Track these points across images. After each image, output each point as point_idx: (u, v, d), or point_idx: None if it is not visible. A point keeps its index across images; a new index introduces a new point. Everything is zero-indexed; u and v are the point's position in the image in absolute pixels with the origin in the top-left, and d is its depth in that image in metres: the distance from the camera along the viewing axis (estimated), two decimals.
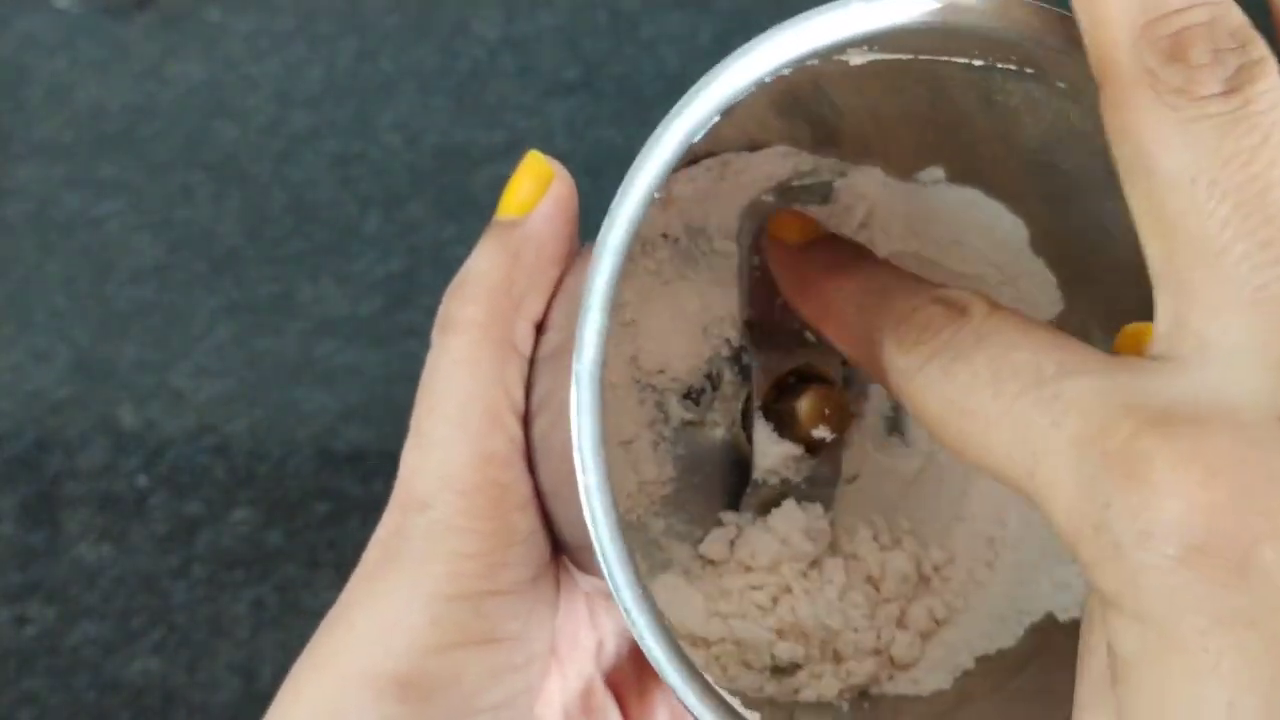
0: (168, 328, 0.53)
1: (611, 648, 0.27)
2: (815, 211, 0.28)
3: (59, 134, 0.55)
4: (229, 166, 0.55)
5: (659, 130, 0.21)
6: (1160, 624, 0.16)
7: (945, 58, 0.23)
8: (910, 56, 0.22)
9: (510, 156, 0.56)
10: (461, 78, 0.56)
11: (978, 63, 0.23)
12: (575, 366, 0.20)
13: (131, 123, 0.55)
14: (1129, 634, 0.17)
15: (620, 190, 0.21)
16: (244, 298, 0.54)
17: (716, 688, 0.21)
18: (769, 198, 0.28)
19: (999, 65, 0.22)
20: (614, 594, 0.20)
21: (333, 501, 0.51)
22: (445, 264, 0.53)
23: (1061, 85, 0.22)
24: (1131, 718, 0.17)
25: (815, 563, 0.28)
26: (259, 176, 0.55)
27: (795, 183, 0.28)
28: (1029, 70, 0.22)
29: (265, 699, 0.24)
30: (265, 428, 0.52)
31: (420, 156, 0.55)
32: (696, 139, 0.20)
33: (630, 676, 0.28)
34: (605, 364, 0.20)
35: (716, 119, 0.21)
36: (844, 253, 0.25)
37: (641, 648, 0.20)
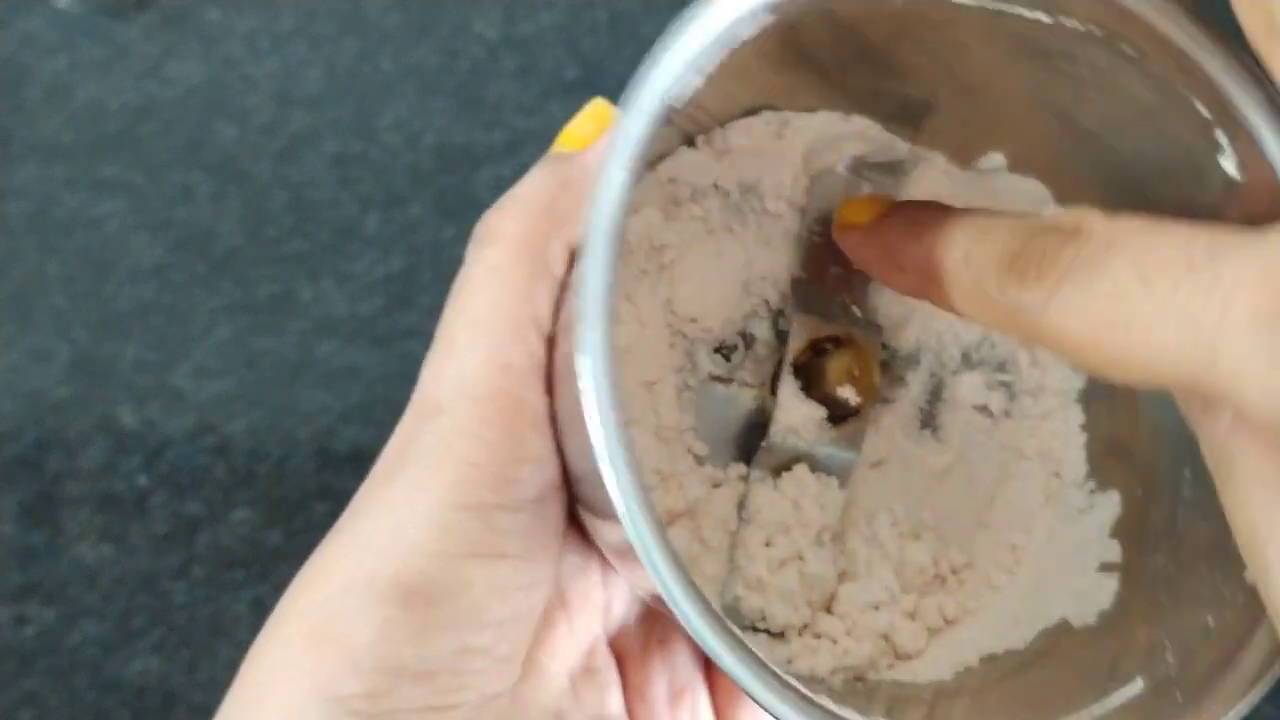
0: (168, 328, 0.53)
1: (619, 610, 0.27)
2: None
3: (59, 134, 0.55)
4: (229, 166, 0.55)
5: (667, 35, 0.20)
6: None
7: (1014, 9, 0.22)
8: (978, 3, 0.22)
9: (510, 156, 0.56)
10: (461, 78, 0.56)
11: (1045, 19, 0.22)
12: (579, 299, 0.20)
13: (131, 123, 0.55)
14: None
15: (620, 107, 0.20)
16: (244, 298, 0.54)
17: (736, 630, 0.20)
18: (842, 170, 0.28)
19: (1066, 23, 0.22)
20: (629, 532, 0.19)
21: (333, 501, 0.51)
22: (445, 264, 0.53)
23: (1129, 50, 0.22)
24: None
25: (837, 536, 0.27)
26: (259, 176, 0.55)
27: (871, 158, 0.28)
28: (1096, 32, 0.22)
29: None
30: (265, 428, 0.52)
31: (420, 156, 0.55)
32: (706, 58, 0.20)
33: (634, 641, 0.27)
34: (614, 297, 0.20)
35: (723, 41, 0.20)
36: (924, 212, 0.24)
37: (652, 580, 0.20)
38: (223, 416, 0.52)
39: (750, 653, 0.20)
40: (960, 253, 0.22)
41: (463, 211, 0.54)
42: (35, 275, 0.54)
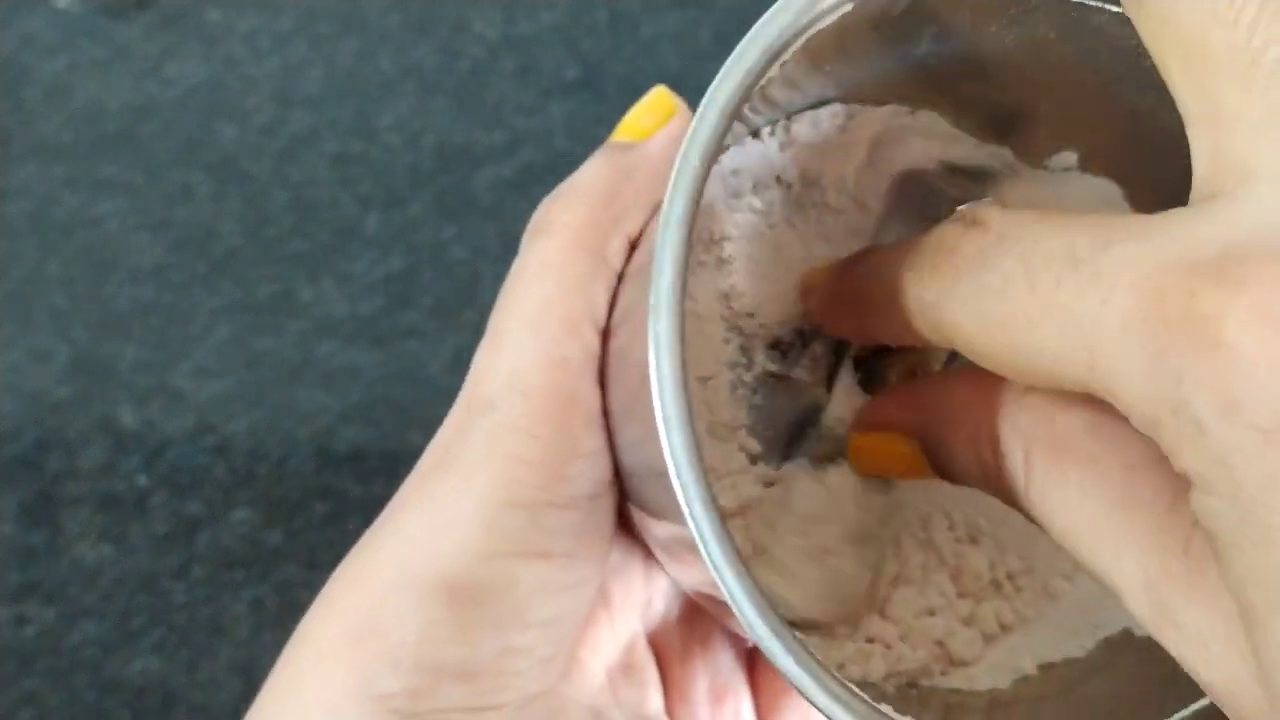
0: (168, 328, 0.53)
1: (660, 607, 0.27)
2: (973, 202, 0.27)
3: (59, 134, 0.55)
4: (229, 166, 0.55)
5: (743, 43, 0.20)
6: (1256, 504, 0.14)
7: (1099, 3, 0.21)
8: None
9: (510, 156, 0.56)
10: (461, 78, 0.56)
11: (1117, 9, 0.21)
12: (653, 291, 0.19)
13: (131, 123, 0.55)
14: (1224, 518, 0.15)
15: (704, 101, 0.20)
16: (244, 298, 0.54)
17: (791, 633, 0.20)
18: (932, 171, 0.27)
19: None
20: (688, 522, 0.19)
21: (333, 501, 0.51)
22: (445, 264, 0.53)
23: None
24: (1246, 606, 0.15)
25: (873, 538, 0.27)
26: (259, 176, 0.55)
27: (960, 162, 0.27)
28: None
29: None
30: (265, 428, 0.52)
31: (420, 156, 0.55)
32: (785, 52, 0.20)
33: (674, 639, 0.27)
34: (685, 289, 0.19)
35: (804, 33, 0.20)
36: (859, 255, 0.24)
37: (714, 578, 0.19)
38: (223, 416, 0.52)
39: (810, 655, 0.20)
40: (881, 271, 0.21)
41: (463, 211, 0.54)
42: (35, 275, 0.54)
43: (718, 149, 0.20)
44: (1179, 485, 0.17)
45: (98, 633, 0.50)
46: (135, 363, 0.53)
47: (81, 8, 0.56)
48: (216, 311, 0.53)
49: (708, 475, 0.24)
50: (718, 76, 0.20)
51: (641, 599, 0.26)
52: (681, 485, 0.19)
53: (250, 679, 0.49)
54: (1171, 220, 0.16)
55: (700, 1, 0.57)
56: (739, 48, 0.20)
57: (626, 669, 0.26)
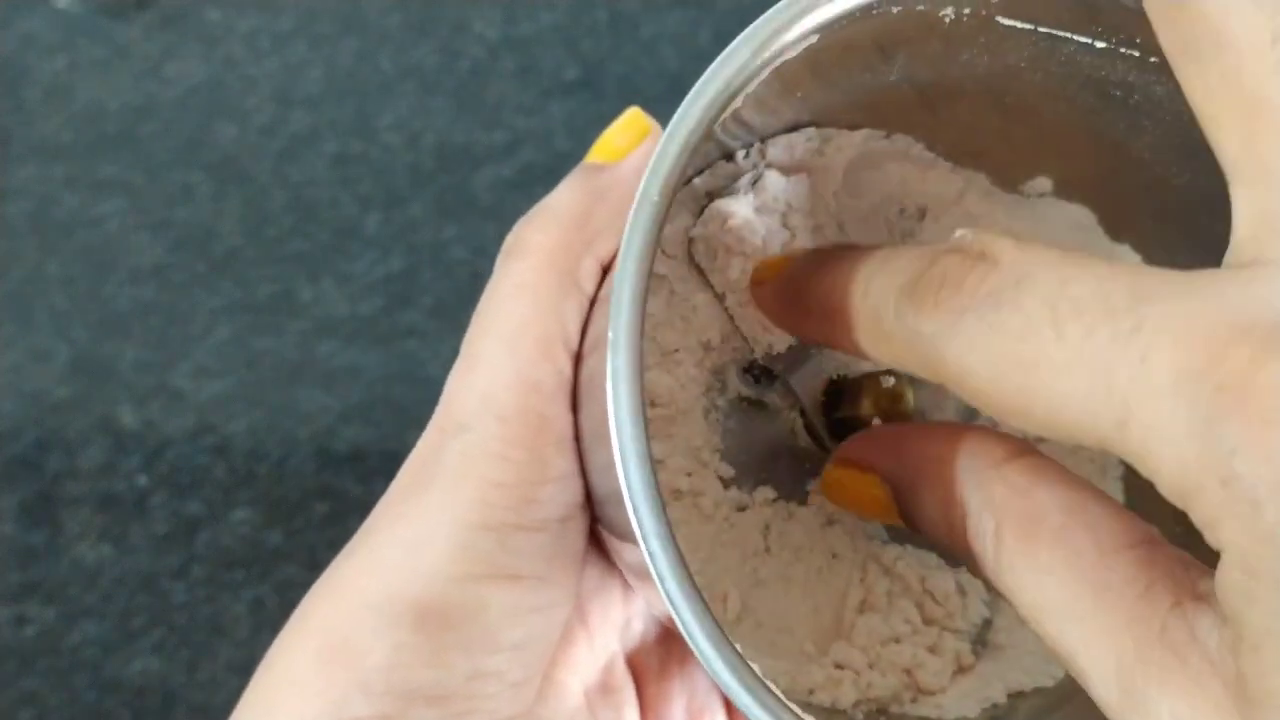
0: (168, 328, 0.53)
1: (638, 628, 0.27)
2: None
3: (59, 134, 0.55)
4: (229, 166, 0.55)
5: (707, 74, 0.20)
6: None
7: (1067, 34, 0.21)
8: (1031, 27, 0.21)
9: (510, 156, 0.56)
10: (461, 78, 0.56)
11: (1100, 44, 0.21)
12: (611, 326, 0.19)
13: (131, 123, 0.55)
14: (1260, 601, 0.14)
15: (665, 134, 0.20)
16: (244, 298, 0.54)
17: (744, 659, 0.20)
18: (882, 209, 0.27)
19: (1122, 50, 0.21)
20: (645, 556, 0.19)
21: (333, 501, 0.51)
22: (445, 264, 0.53)
23: None
24: (1262, 694, 0.14)
25: (864, 563, 0.27)
26: (259, 176, 0.55)
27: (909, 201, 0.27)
28: (1152, 59, 0.21)
29: None
30: (265, 428, 0.52)
31: (420, 156, 0.55)
32: (750, 84, 0.20)
33: (652, 659, 0.27)
34: (644, 322, 0.20)
35: (770, 64, 0.20)
36: (832, 253, 0.24)
37: (664, 601, 0.19)
38: (223, 416, 0.52)
39: (767, 689, 0.20)
40: (861, 285, 0.20)
41: (463, 211, 0.54)
42: (35, 275, 0.54)
43: (679, 182, 0.20)
44: (1155, 571, 0.17)
45: (98, 633, 0.50)
46: (135, 363, 0.53)
47: (81, 8, 0.56)
48: (216, 311, 0.53)
49: (672, 500, 0.24)
50: (680, 108, 0.20)
51: (620, 620, 0.26)
52: (638, 519, 0.19)
53: (250, 679, 0.49)
54: (1219, 280, 0.15)
55: (700, 1, 0.57)
56: (703, 78, 0.20)
57: (604, 689, 0.26)
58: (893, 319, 0.19)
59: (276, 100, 0.56)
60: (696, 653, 0.20)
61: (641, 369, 0.20)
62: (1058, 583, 0.17)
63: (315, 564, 0.51)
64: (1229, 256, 0.16)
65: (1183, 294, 0.15)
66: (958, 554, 0.20)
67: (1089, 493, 0.18)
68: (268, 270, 0.54)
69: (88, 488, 0.51)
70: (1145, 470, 0.15)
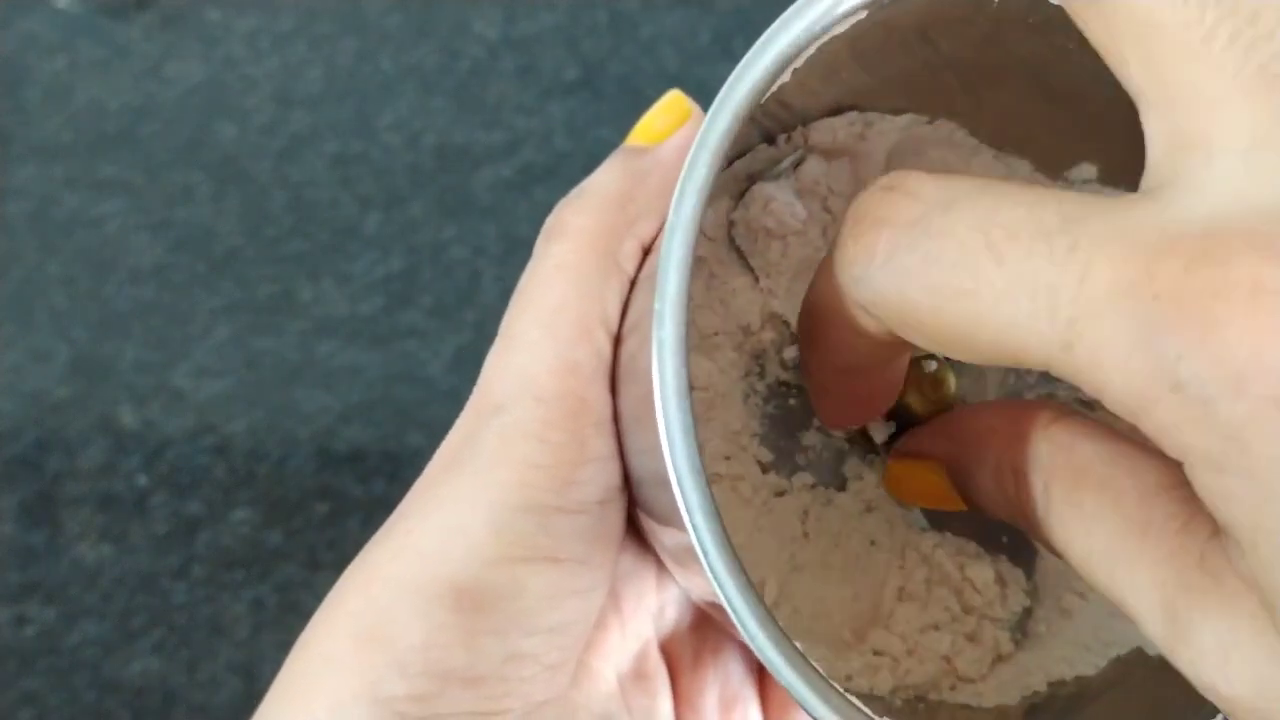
0: (168, 328, 0.53)
1: (672, 614, 0.26)
2: None
3: (59, 134, 0.55)
4: (229, 166, 0.55)
5: (756, 46, 0.20)
6: (1276, 475, 0.14)
7: None
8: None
9: (510, 156, 0.56)
10: (461, 78, 0.56)
11: None
12: (657, 297, 0.19)
13: (131, 123, 0.55)
14: (1241, 498, 0.14)
15: (712, 107, 0.20)
16: (244, 298, 0.54)
17: (793, 644, 0.20)
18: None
19: None
20: (691, 535, 0.19)
21: (333, 501, 0.51)
22: (445, 264, 0.53)
23: None
24: (1269, 589, 0.15)
25: (902, 550, 0.27)
26: (259, 176, 0.55)
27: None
28: None
29: None
30: (265, 428, 0.52)
31: (420, 156, 0.55)
32: (798, 58, 0.20)
33: (686, 647, 0.27)
34: (689, 295, 0.19)
35: (818, 39, 0.20)
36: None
37: (714, 589, 0.19)
38: (223, 416, 0.52)
39: (812, 668, 0.20)
40: (829, 271, 0.19)
41: (463, 211, 0.54)
42: (35, 275, 0.54)
43: (725, 156, 0.20)
44: (1193, 506, 0.17)
45: (98, 633, 0.50)
46: (135, 363, 0.53)
47: (81, 8, 0.56)
48: (216, 311, 0.53)
49: (710, 484, 0.24)
50: (729, 79, 0.20)
51: (654, 606, 0.26)
52: (683, 493, 0.19)
53: (250, 679, 0.49)
54: (1141, 202, 0.15)
55: (700, 1, 0.57)
56: (752, 51, 0.20)
57: (638, 676, 0.26)
58: (836, 273, 0.18)
59: (276, 100, 0.56)
60: (740, 628, 0.19)
61: (686, 343, 0.19)
62: (1105, 528, 0.18)
63: (315, 564, 0.51)
64: (1145, 179, 0.16)
65: (1110, 213, 0.15)
66: (1019, 522, 0.20)
67: (1129, 444, 0.18)
68: (267, 270, 0.54)
69: (88, 488, 0.51)
70: (1092, 388, 0.15)
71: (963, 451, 0.22)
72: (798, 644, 0.20)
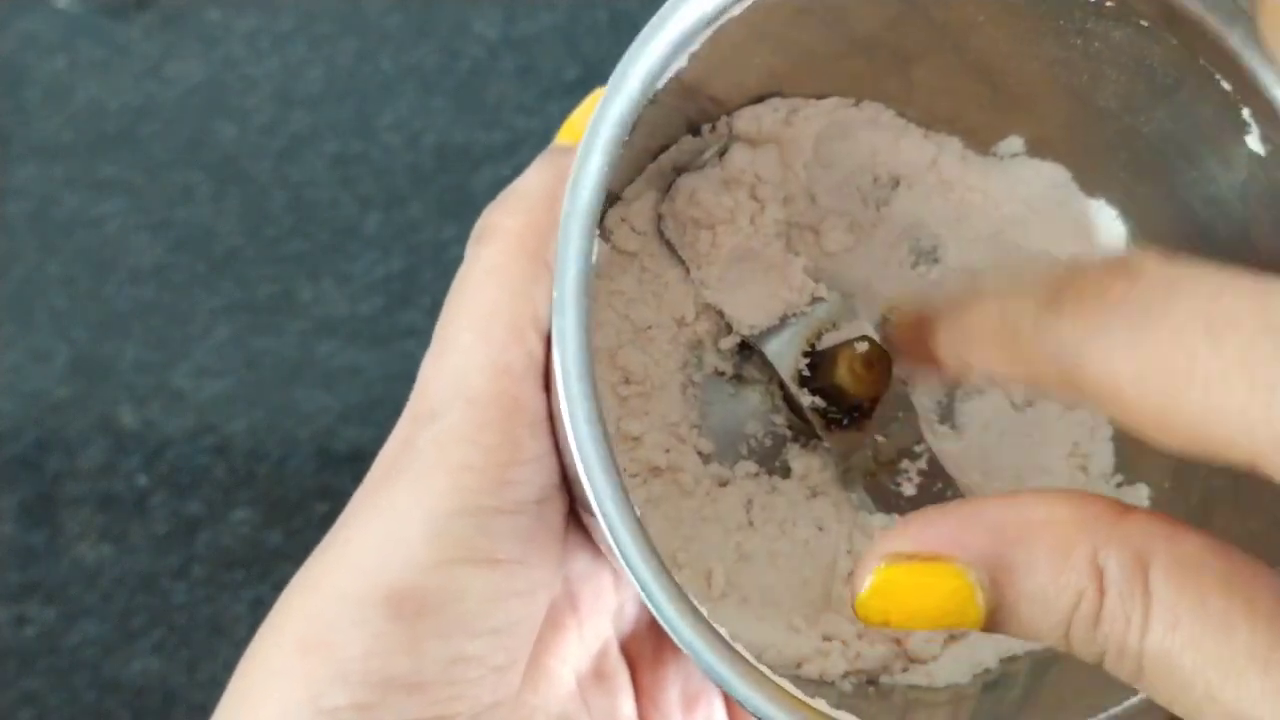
0: (168, 328, 0.53)
1: (631, 613, 0.27)
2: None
3: (59, 134, 0.55)
4: (229, 166, 0.55)
5: (641, 35, 0.20)
6: None
7: None
8: None
9: (510, 156, 0.56)
10: (461, 78, 0.56)
11: None
12: (556, 286, 0.19)
13: (131, 123, 0.55)
14: None
15: (605, 94, 0.20)
16: (244, 298, 0.54)
17: (728, 639, 0.20)
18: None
19: None
20: (604, 530, 0.19)
21: (333, 501, 0.51)
22: (445, 264, 0.53)
23: (1144, 23, 0.21)
24: None
25: (850, 534, 0.27)
26: (259, 176, 0.55)
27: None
28: (1108, 2, 0.21)
29: None
30: (265, 428, 0.52)
31: (420, 156, 0.55)
32: (692, 41, 0.20)
33: (647, 645, 0.27)
34: (591, 283, 0.19)
35: (714, 21, 0.20)
36: (955, 294, 0.22)
37: (628, 578, 0.19)
38: (223, 416, 0.52)
39: (734, 652, 0.20)
40: (994, 306, 0.19)
41: (463, 211, 0.54)
42: (35, 275, 0.54)
43: (621, 141, 0.20)
44: None
45: (98, 633, 0.50)
46: (135, 363, 0.53)
47: (81, 8, 0.56)
48: (216, 311, 0.53)
49: (651, 477, 0.24)
50: (620, 63, 0.20)
51: (613, 605, 0.26)
52: (590, 482, 0.19)
53: None
54: None
55: None
56: (640, 36, 0.20)
57: (598, 676, 0.26)
58: (1031, 332, 0.18)
59: (276, 100, 0.56)
60: (655, 613, 0.19)
61: (590, 328, 0.19)
62: (1233, 631, 0.16)
63: None
64: None
65: None
66: (1076, 648, 0.18)
67: (1215, 538, 0.17)
68: (267, 270, 0.54)
69: (88, 488, 0.51)
70: None
71: (1009, 548, 0.19)
72: (747, 634, 0.20)
